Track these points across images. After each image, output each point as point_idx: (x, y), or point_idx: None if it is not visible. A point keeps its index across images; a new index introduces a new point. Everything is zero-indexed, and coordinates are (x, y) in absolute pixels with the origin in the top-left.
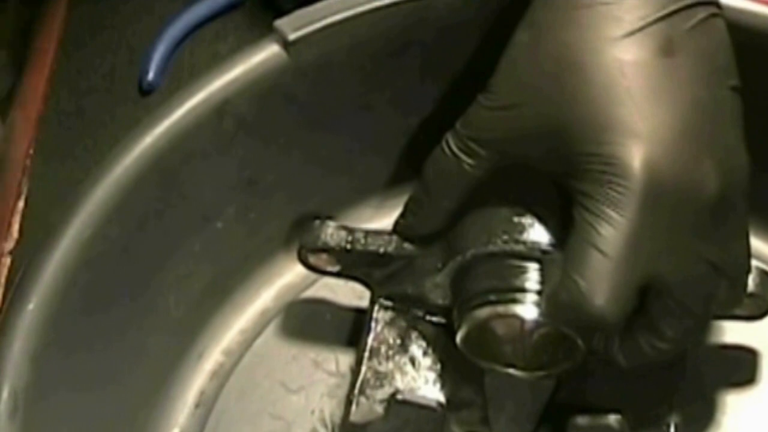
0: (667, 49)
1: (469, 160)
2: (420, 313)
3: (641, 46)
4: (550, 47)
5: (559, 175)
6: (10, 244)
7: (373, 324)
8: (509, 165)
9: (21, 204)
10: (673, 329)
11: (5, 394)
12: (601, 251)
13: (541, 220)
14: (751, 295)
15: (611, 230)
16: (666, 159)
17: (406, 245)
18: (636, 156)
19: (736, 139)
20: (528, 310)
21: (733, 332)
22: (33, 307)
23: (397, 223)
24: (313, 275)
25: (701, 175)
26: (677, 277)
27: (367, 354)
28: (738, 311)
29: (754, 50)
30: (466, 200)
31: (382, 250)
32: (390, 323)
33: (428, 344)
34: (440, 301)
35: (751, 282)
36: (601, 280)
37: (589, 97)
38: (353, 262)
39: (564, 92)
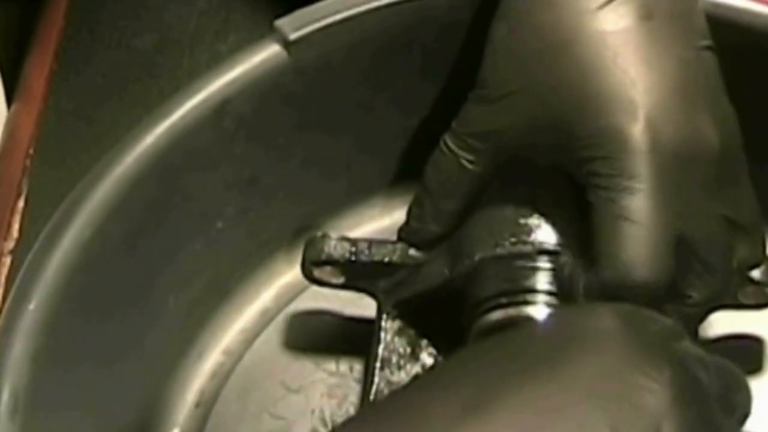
0: (644, 14)
1: (469, 156)
2: (429, 321)
3: (619, 14)
4: (529, 32)
5: (562, 162)
6: (10, 244)
7: (382, 334)
8: (511, 163)
9: (21, 203)
10: (697, 291)
11: (5, 394)
12: (630, 220)
13: (548, 219)
14: (758, 283)
15: (632, 198)
16: (665, 119)
17: (412, 252)
18: (635, 122)
19: (722, 94)
20: (540, 311)
21: (739, 321)
22: (33, 307)
23: (401, 230)
24: None
25: (701, 131)
26: (698, 234)
27: (378, 364)
28: (745, 300)
29: (754, 50)
30: (470, 202)
31: (387, 259)
32: (399, 332)
33: (439, 352)
34: (449, 308)
35: (757, 270)
36: (639, 248)
37: (576, 74)
38: (358, 273)
39: (550, 74)
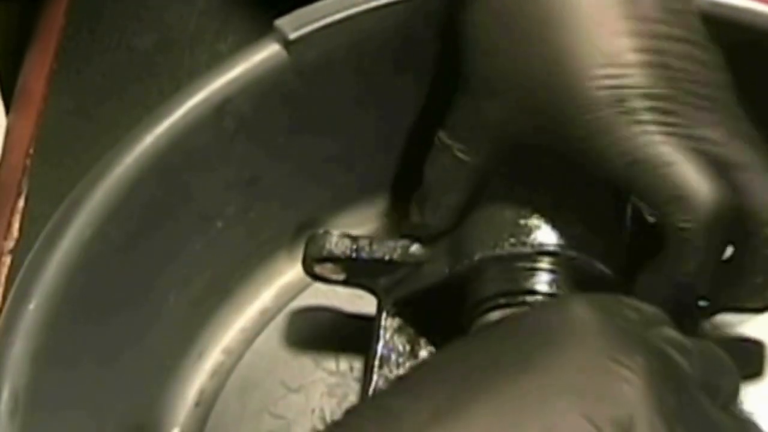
0: None
1: (463, 148)
2: (428, 319)
3: None
4: (507, 17)
5: (563, 147)
6: (10, 244)
7: (381, 332)
8: (511, 163)
9: (21, 203)
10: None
11: (5, 394)
12: (665, 163)
13: (548, 220)
14: None
15: (656, 147)
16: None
17: (412, 250)
18: (628, 83)
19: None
20: None
21: (739, 325)
22: (33, 307)
23: (403, 226)
24: None
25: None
26: None
27: (377, 362)
28: (745, 303)
29: (754, 50)
30: (470, 197)
31: (387, 257)
32: (398, 330)
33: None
34: (449, 307)
35: None
36: (690, 177)
37: (559, 49)
38: (359, 270)
39: (531, 54)
